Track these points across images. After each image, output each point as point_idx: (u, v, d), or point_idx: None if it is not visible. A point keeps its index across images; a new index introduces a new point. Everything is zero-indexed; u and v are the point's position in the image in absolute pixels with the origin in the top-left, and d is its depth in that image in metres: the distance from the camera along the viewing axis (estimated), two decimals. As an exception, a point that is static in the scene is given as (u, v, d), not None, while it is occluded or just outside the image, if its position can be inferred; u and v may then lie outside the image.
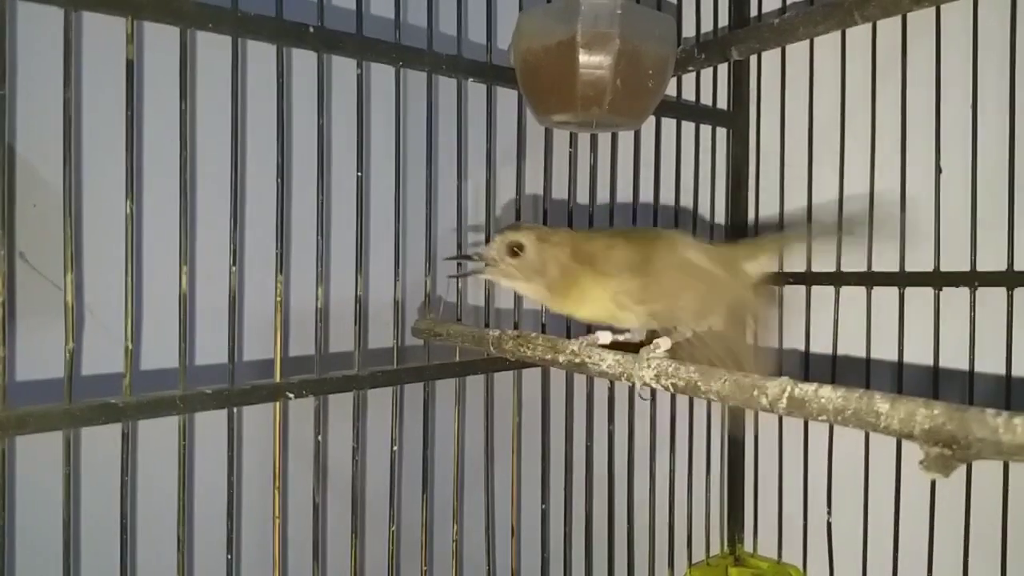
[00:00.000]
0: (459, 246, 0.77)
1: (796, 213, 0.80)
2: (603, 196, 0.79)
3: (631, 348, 0.58)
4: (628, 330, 0.63)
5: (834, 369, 0.75)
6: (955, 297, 0.67)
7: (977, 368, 0.66)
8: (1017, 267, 0.64)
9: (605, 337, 0.63)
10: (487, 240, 0.75)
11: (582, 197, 0.78)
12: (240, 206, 0.79)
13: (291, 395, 0.61)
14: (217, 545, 0.61)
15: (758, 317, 0.63)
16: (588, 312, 0.61)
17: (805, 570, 0.79)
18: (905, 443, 0.63)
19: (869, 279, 0.72)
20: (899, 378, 0.70)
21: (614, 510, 0.78)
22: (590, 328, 0.74)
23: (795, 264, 0.78)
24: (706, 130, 0.84)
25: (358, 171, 0.65)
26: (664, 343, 0.56)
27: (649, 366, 0.53)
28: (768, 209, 0.83)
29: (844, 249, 0.74)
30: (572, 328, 0.76)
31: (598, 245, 0.60)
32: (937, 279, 0.67)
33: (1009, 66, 0.64)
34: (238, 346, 0.77)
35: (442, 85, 0.74)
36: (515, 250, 0.60)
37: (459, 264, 0.70)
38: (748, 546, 0.86)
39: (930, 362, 0.67)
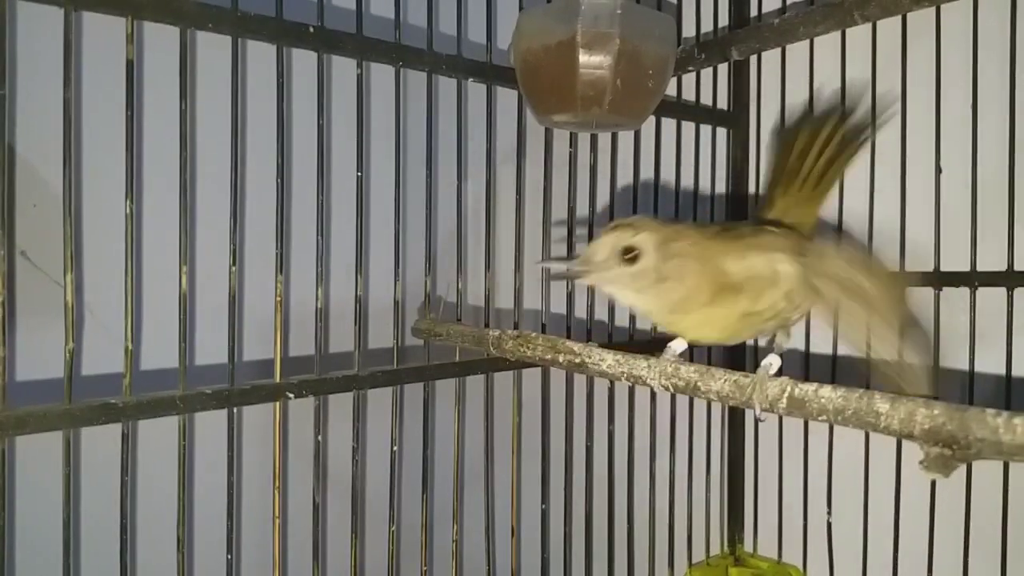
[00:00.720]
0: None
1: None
2: (603, 196, 0.79)
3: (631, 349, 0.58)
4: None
5: (834, 369, 0.75)
6: (955, 297, 0.67)
7: (977, 368, 0.66)
8: (1017, 267, 0.64)
9: (680, 346, 0.56)
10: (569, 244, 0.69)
11: (582, 197, 0.78)
12: (240, 206, 0.79)
13: (291, 395, 0.61)
14: (217, 545, 0.61)
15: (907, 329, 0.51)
16: (708, 334, 0.53)
17: (805, 570, 0.79)
18: (905, 443, 0.63)
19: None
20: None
21: (614, 510, 0.78)
22: (589, 333, 0.74)
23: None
24: (706, 130, 0.84)
25: (358, 171, 0.65)
26: (775, 361, 0.51)
27: (767, 388, 0.46)
28: (768, 209, 0.83)
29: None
30: (572, 329, 0.76)
31: (730, 249, 0.50)
32: (937, 279, 0.67)
33: (1009, 66, 0.64)
34: (238, 346, 0.77)
35: (442, 85, 0.74)
36: (630, 255, 0.50)
37: (545, 270, 0.60)
38: (748, 546, 0.86)
39: (929, 362, 0.67)
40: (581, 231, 0.78)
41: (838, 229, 0.76)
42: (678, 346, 0.56)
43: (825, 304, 0.50)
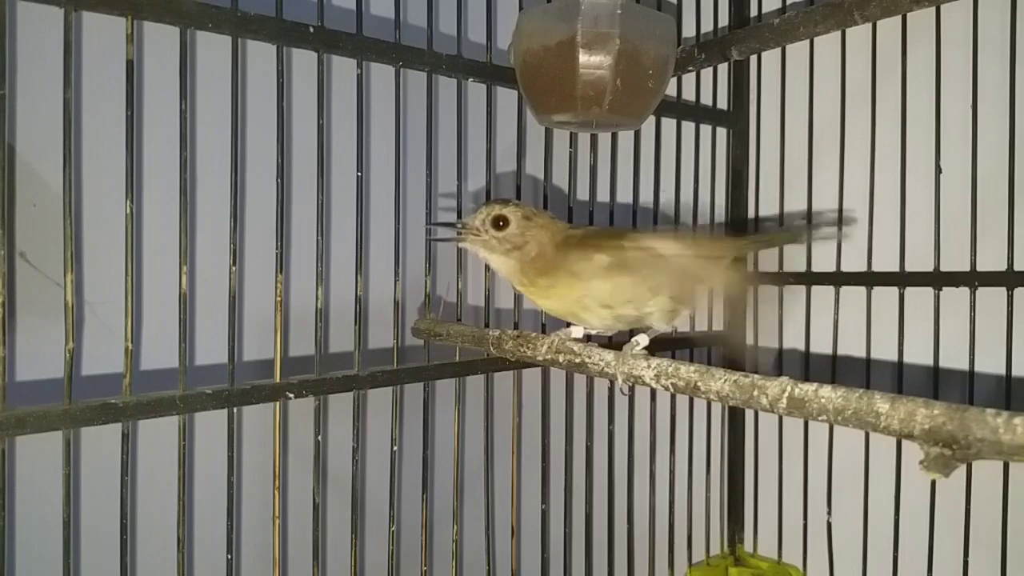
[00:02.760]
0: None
1: (796, 214, 0.80)
2: (603, 196, 0.79)
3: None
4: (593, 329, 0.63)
5: (834, 369, 0.75)
6: (955, 297, 0.67)
7: (977, 368, 0.66)
8: (1017, 267, 0.64)
9: (577, 332, 0.63)
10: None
11: (582, 197, 0.78)
12: (240, 206, 0.79)
13: (291, 395, 0.61)
14: (217, 545, 0.61)
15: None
16: (550, 305, 0.62)
17: (805, 570, 0.79)
18: (905, 443, 0.63)
19: (869, 279, 0.72)
20: (899, 378, 0.70)
21: (614, 510, 0.78)
22: (588, 336, 0.74)
23: (795, 264, 0.78)
24: (706, 130, 0.84)
25: (358, 171, 0.65)
26: (643, 339, 0.57)
27: (630, 362, 0.53)
28: (768, 209, 0.83)
29: (844, 248, 0.74)
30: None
31: (576, 242, 0.60)
32: (937, 279, 0.67)
33: (1009, 66, 0.64)
34: (238, 346, 0.77)
35: (442, 85, 0.74)
36: (499, 223, 0.60)
37: (430, 230, 0.70)
38: (748, 546, 0.86)
39: (930, 362, 0.67)
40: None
41: (838, 229, 0.76)
42: (576, 331, 0.63)
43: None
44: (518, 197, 0.75)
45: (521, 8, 0.74)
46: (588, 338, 0.62)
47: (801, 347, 0.79)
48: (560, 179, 0.77)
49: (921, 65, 0.69)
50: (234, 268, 0.59)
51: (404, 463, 0.84)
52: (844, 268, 0.75)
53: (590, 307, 0.59)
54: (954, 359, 0.67)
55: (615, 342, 0.65)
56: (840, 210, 0.75)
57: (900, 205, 0.70)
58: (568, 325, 0.64)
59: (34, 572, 0.65)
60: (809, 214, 0.78)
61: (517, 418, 0.75)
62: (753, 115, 0.85)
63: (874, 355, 0.73)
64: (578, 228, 0.63)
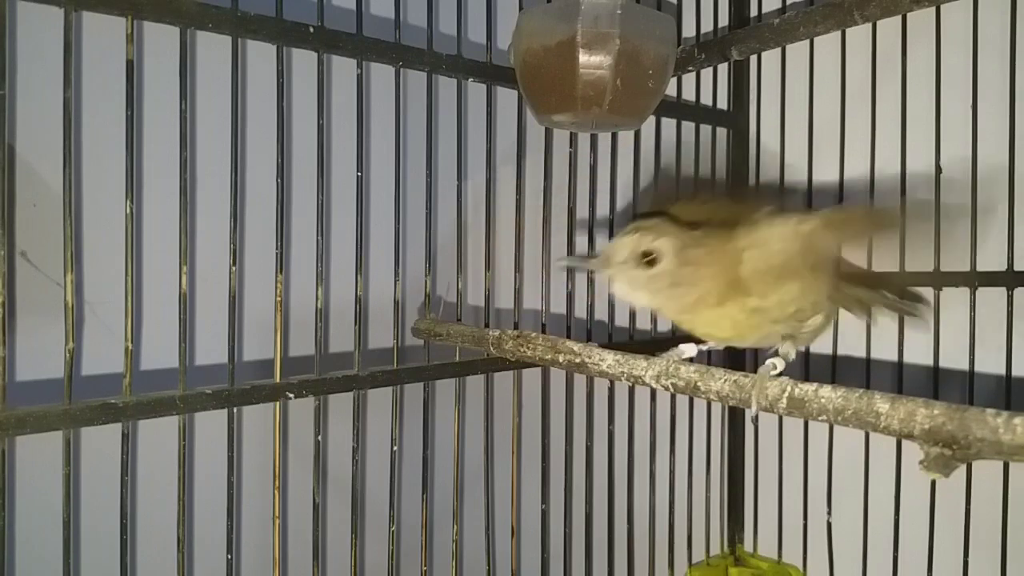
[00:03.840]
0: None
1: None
2: (603, 196, 0.79)
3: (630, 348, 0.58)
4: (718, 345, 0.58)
5: (834, 369, 0.75)
6: (955, 297, 0.67)
7: (977, 368, 0.66)
8: (1017, 267, 0.64)
9: (691, 350, 0.57)
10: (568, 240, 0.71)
11: (582, 197, 0.78)
12: (240, 206, 0.79)
13: (291, 395, 0.61)
14: (217, 545, 0.61)
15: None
16: (718, 332, 0.54)
17: (805, 570, 0.79)
18: (905, 443, 0.63)
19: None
20: (899, 378, 0.70)
21: (614, 510, 0.78)
22: (589, 333, 0.74)
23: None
24: (706, 130, 0.84)
25: (358, 171, 0.65)
26: (780, 364, 0.51)
27: (766, 389, 0.47)
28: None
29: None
30: (572, 328, 0.76)
31: (736, 249, 0.51)
32: (937, 279, 0.67)
33: (1009, 66, 0.64)
34: (238, 346, 0.77)
35: (442, 85, 0.74)
36: (648, 259, 0.51)
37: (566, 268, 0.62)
38: (748, 546, 0.86)
39: (930, 362, 0.67)
40: (581, 231, 0.78)
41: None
42: (688, 349, 0.57)
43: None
44: (518, 196, 0.75)
45: (521, 8, 0.74)
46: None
47: (801, 347, 0.79)
48: (560, 179, 0.76)
49: (921, 65, 0.69)
50: (234, 268, 0.59)
51: (404, 463, 0.84)
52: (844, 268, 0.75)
53: (759, 325, 0.52)
54: (954, 359, 0.67)
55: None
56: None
57: (900, 205, 0.70)
58: (590, 337, 0.59)
59: (34, 572, 0.65)
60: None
61: (517, 418, 0.75)
62: (753, 115, 0.85)
63: (874, 355, 0.73)
64: (735, 217, 0.53)
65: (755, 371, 0.49)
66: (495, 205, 0.74)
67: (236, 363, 0.59)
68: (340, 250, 0.79)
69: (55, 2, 0.50)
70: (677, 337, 0.81)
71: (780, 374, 0.49)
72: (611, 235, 0.78)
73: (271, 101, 0.60)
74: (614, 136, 0.81)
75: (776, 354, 0.54)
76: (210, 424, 0.64)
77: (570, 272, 0.76)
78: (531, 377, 0.75)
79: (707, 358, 0.86)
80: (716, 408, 0.86)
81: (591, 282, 0.79)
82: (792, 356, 0.54)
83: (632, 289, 0.52)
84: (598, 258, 0.53)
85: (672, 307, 0.53)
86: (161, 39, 0.58)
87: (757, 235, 0.51)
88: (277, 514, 0.62)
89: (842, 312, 0.74)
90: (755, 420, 0.51)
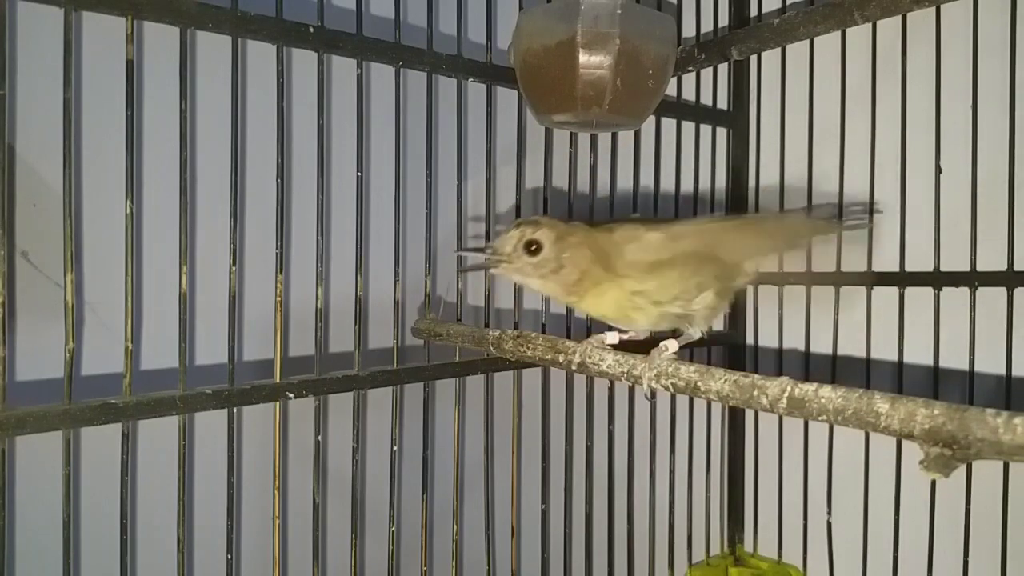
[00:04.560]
0: (459, 238, 0.77)
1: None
2: (603, 196, 0.79)
3: (635, 348, 0.58)
4: (632, 330, 0.62)
5: (834, 369, 0.75)
6: (955, 297, 0.67)
7: (977, 368, 0.66)
8: (1017, 267, 0.64)
9: (613, 338, 0.62)
10: (488, 235, 0.75)
11: (582, 197, 0.78)
12: (240, 206, 0.79)
13: (291, 395, 0.61)
14: (217, 545, 0.61)
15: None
16: (603, 312, 0.60)
17: (805, 570, 0.79)
18: (905, 443, 0.63)
19: (869, 279, 0.72)
20: (899, 378, 0.70)
21: (614, 510, 0.78)
22: (589, 330, 0.74)
23: (796, 264, 0.78)
24: (706, 130, 0.84)
25: (358, 171, 0.65)
26: (673, 345, 0.56)
27: (658, 368, 0.52)
28: (768, 209, 0.83)
29: (844, 248, 0.74)
30: (572, 328, 0.76)
31: (613, 242, 0.58)
32: (937, 279, 0.67)
33: (1009, 66, 0.64)
34: (238, 346, 0.77)
35: (442, 85, 0.74)
36: (532, 248, 0.57)
37: (461, 258, 0.68)
38: (748, 546, 0.86)
39: (930, 362, 0.67)
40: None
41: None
42: (611, 336, 0.62)
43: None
44: (518, 196, 0.75)
45: (521, 8, 0.74)
46: (621, 343, 0.62)
47: (801, 347, 0.79)
48: (560, 179, 0.76)
49: (921, 65, 0.69)
50: (234, 268, 0.59)
51: (404, 463, 0.84)
52: (844, 268, 0.75)
53: (641, 306, 0.58)
54: (954, 359, 0.67)
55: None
56: (840, 210, 0.75)
57: (900, 205, 0.70)
58: (589, 332, 0.63)
59: (34, 572, 0.65)
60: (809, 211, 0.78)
61: (517, 418, 0.75)
62: (753, 115, 0.85)
63: (874, 355, 0.73)
64: (610, 226, 0.60)
65: (755, 371, 0.49)
66: (495, 205, 0.74)
67: (236, 363, 0.59)
68: (340, 250, 0.79)
69: (55, 2, 0.50)
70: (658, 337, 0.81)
71: (676, 354, 0.55)
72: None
73: (271, 101, 0.60)
74: (614, 136, 0.81)
75: (674, 336, 0.59)
76: (210, 424, 0.64)
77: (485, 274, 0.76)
78: (531, 377, 0.76)
79: (707, 358, 0.86)
80: (716, 408, 0.86)
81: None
82: (697, 335, 0.60)
83: (523, 276, 0.59)
84: (489, 252, 0.59)
85: (558, 290, 0.59)
86: (161, 39, 0.58)
87: (630, 233, 0.58)
88: (277, 514, 0.62)
89: (842, 312, 0.74)
90: (647, 398, 0.57)
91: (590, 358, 0.58)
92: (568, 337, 0.66)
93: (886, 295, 0.71)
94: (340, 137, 0.75)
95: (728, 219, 0.61)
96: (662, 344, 0.56)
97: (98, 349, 0.72)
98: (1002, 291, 0.64)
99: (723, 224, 0.63)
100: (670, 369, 0.52)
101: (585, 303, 0.59)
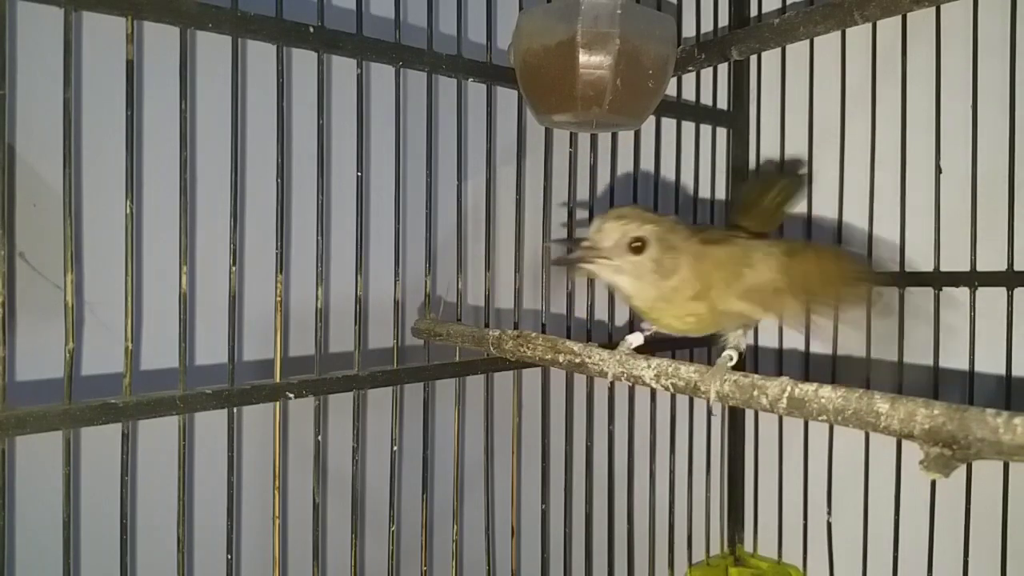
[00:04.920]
0: (459, 238, 0.76)
1: (795, 217, 0.80)
2: (603, 196, 0.79)
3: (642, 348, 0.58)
4: (668, 332, 0.59)
5: (834, 369, 0.75)
6: (955, 297, 0.67)
7: (977, 368, 0.66)
8: (1017, 267, 0.64)
9: (637, 339, 0.59)
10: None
11: (582, 197, 0.78)
12: (240, 206, 0.79)
13: (291, 395, 0.61)
14: (217, 545, 0.61)
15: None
16: (679, 324, 0.56)
17: (805, 570, 0.79)
18: (905, 443, 0.63)
19: (870, 279, 0.72)
20: (899, 378, 0.70)
21: (614, 510, 0.78)
22: (588, 336, 0.74)
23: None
24: (706, 130, 0.84)
25: (358, 171, 0.65)
26: (735, 356, 0.53)
27: (724, 378, 0.49)
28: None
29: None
30: (572, 329, 0.76)
31: (722, 259, 0.54)
32: (937, 279, 0.67)
33: (1009, 66, 0.64)
34: (238, 346, 0.77)
35: (442, 85, 0.74)
36: (636, 246, 0.52)
37: (548, 248, 0.62)
38: (748, 546, 0.86)
39: (930, 362, 0.67)
40: (582, 231, 0.78)
41: (838, 229, 0.76)
42: (634, 339, 0.59)
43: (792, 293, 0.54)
44: (518, 197, 0.75)
45: (521, 8, 0.74)
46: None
47: (801, 347, 0.79)
48: (560, 179, 0.76)
49: (921, 65, 0.69)
50: (234, 268, 0.59)
51: (404, 463, 0.84)
52: (844, 268, 0.75)
53: (723, 322, 0.55)
54: (954, 359, 0.67)
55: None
56: (840, 210, 0.75)
57: (900, 205, 0.70)
58: (589, 337, 0.61)
59: (34, 572, 0.65)
60: (809, 214, 0.78)
61: (517, 418, 0.75)
62: (753, 115, 0.85)
63: (874, 355, 0.73)
64: (706, 234, 0.56)
65: (755, 371, 0.49)
66: (495, 205, 0.74)
67: (236, 363, 0.59)
68: (340, 250, 0.79)
69: (55, 2, 0.50)
70: (674, 338, 0.82)
71: (735, 366, 0.51)
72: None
73: (271, 101, 0.60)
74: (614, 136, 0.81)
75: (725, 347, 0.56)
76: (210, 424, 0.64)
77: (570, 271, 0.76)
78: (531, 377, 0.76)
79: (708, 359, 0.86)
80: (716, 408, 0.86)
81: (591, 282, 0.79)
82: (743, 346, 0.57)
83: (617, 274, 0.54)
84: (585, 244, 0.54)
85: (649, 294, 0.54)
86: (161, 39, 0.58)
87: (740, 252, 0.54)
88: (277, 514, 0.62)
89: (842, 312, 0.74)
90: (713, 413, 0.53)
91: (589, 357, 0.57)
92: (568, 337, 0.65)
93: (886, 295, 0.71)
94: (340, 137, 0.75)
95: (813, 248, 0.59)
96: (724, 355, 0.53)
97: (98, 349, 0.72)
98: (1002, 291, 0.64)
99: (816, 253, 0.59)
100: (670, 369, 0.52)
101: (667, 311, 0.55)
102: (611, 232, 0.53)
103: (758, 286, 0.53)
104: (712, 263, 0.54)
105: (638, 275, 0.53)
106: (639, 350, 0.58)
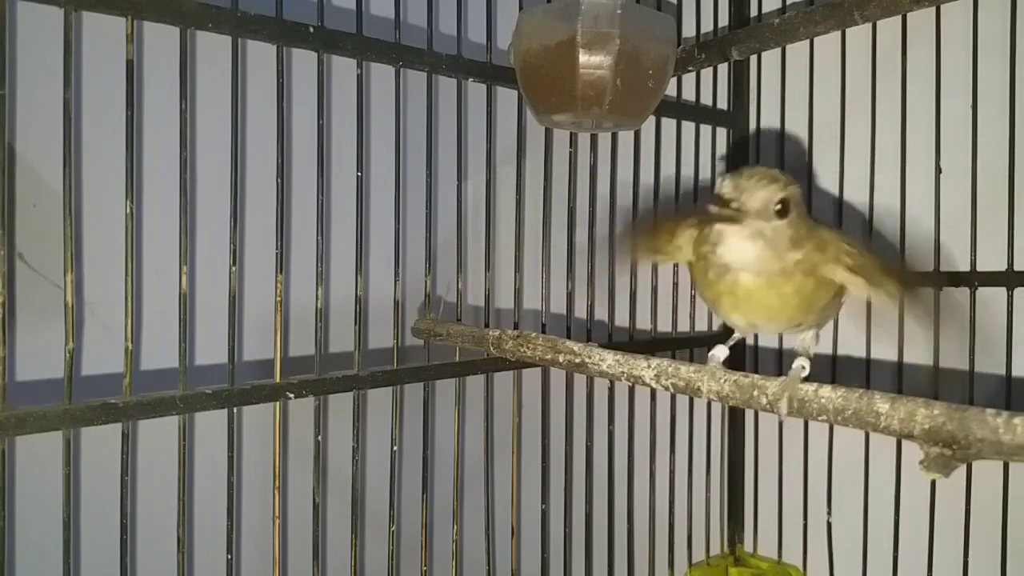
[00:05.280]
0: (459, 238, 0.76)
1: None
2: (603, 196, 0.79)
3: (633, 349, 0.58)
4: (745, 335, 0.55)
5: (834, 369, 0.75)
6: (955, 297, 0.66)
7: (977, 368, 0.66)
8: (1017, 267, 0.64)
9: (723, 352, 0.54)
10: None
11: (582, 197, 0.78)
12: (240, 206, 0.79)
13: (291, 395, 0.61)
14: (217, 545, 0.61)
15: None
16: (759, 311, 0.51)
17: (805, 570, 0.79)
18: (905, 443, 0.63)
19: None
20: (899, 378, 0.70)
21: (614, 510, 0.78)
22: (588, 336, 0.74)
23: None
24: (706, 130, 0.84)
25: (358, 171, 0.65)
26: (807, 364, 0.51)
27: (798, 389, 0.46)
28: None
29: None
30: (572, 329, 0.76)
31: (829, 239, 0.50)
32: (937, 279, 0.67)
33: (1009, 66, 0.64)
34: (238, 346, 0.77)
35: (442, 85, 0.74)
36: (780, 209, 0.47)
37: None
38: (748, 546, 0.86)
39: (930, 362, 0.67)
40: (581, 231, 0.78)
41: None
42: (720, 353, 0.54)
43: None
44: (518, 197, 0.75)
45: (521, 8, 0.74)
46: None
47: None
48: (560, 179, 0.76)
49: (921, 65, 0.69)
50: (234, 268, 0.59)
51: (404, 463, 0.84)
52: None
53: (801, 312, 0.50)
54: (954, 359, 0.67)
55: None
56: (840, 210, 0.75)
57: (900, 205, 0.70)
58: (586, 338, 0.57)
59: (34, 572, 0.65)
60: (809, 214, 0.78)
61: (517, 418, 0.75)
62: (753, 115, 0.85)
63: (874, 355, 0.73)
64: (819, 226, 0.52)
65: (755, 371, 0.49)
66: (495, 205, 0.74)
67: (236, 363, 0.59)
68: (340, 250, 0.79)
69: (55, 2, 0.50)
70: (674, 338, 0.82)
71: (807, 377, 0.48)
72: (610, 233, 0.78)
73: (271, 101, 0.60)
74: (614, 136, 0.81)
75: (797, 354, 0.53)
76: (210, 424, 0.64)
77: (569, 272, 0.76)
78: (531, 377, 0.76)
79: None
80: (716, 408, 0.86)
81: (591, 282, 0.79)
82: (812, 353, 0.54)
83: (754, 239, 0.48)
84: (731, 208, 0.47)
85: (773, 266, 0.48)
86: (161, 39, 0.58)
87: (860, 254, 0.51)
88: (277, 514, 0.62)
89: (843, 312, 0.74)
90: (782, 425, 0.51)
91: (589, 357, 0.57)
92: (568, 337, 0.65)
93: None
94: (340, 137, 0.75)
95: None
96: (797, 364, 0.50)
97: (98, 349, 0.72)
98: (1002, 291, 0.64)
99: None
100: (670, 369, 0.52)
101: (756, 294, 0.49)
102: (756, 192, 0.47)
103: (863, 263, 0.50)
104: (830, 234, 0.50)
105: (774, 242, 0.47)
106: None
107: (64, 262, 0.51)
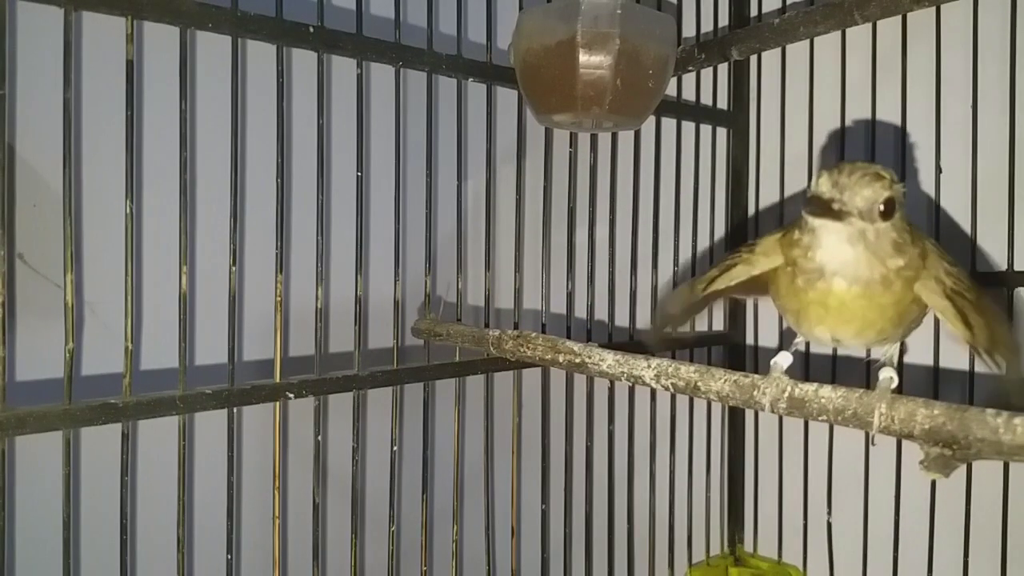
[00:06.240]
0: (459, 238, 0.76)
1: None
2: (603, 196, 0.79)
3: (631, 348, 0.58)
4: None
5: (834, 369, 0.75)
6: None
7: (977, 368, 0.66)
8: (1017, 267, 0.64)
9: (786, 360, 0.51)
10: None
11: (582, 197, 0.78)
12: (240, 206, 0.79)
13: (291, 395, 0.61)
14: (217, 545, 0.61)
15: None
16: (843, 325, 0.47)
17: (805, 570, 0.79)
18: (905, 443, 0.63)
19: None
20: (899, 378, 0.70)
21: (614, 510, 0.78)
22: (588, 336, 0.74)
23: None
24: (706, 130, 0.84)
25: (358, 171, 0.65)
26: (895, 375, 0.47)
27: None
28: (768, 209, 0.83)
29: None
30: (572, 329, 0.76)
31: (935, 265, 0.46)
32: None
33: (1009, 66, 0.64)
34: (238, 346, 0.77)
35: (442, 85, 0.74)
36: (884, 210, 0.43)
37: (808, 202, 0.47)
38: (748, 546, 0.86)
39: (930, 362, 0.67)
40: (581, 231, 0.78)
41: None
42: (784, 360, 0.51)
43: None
44: (518, 197, 0.75)
45: (521, 8, 0.74)
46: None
47: (801, 347, 0.79)
48: (560, 179, 0.76)
49: (921, 65, 0.69)
50: (234, 268, 0.59)
51: (404, 463, 0.84)
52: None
53: (887, 326, 0.47)
54: (954, 359, 0.67)
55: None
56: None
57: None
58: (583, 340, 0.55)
59: (34, 572, 0.65)
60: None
61: (517, 418, 0.75)
62: (753, 115, 0.85)
63: (874, 355, 0.73)
64: (921, 234, 0.48)
65: (755, 371, 0.49)
66: (495, 205, 0.74)
67: (236, 363, 0.59)
68: (340, 250, 0.79)
69: (55, 2, 0.50)
70: (673, 338, 0.82)
71: (897, 389, 0.45)
72: (611, 233, 0.78)
73: (271, 101, 0.60)
74: (614, 136, 0.81)
75: (883, 364, 0.51)
76: (210, 424, 0.64)
77: (569, 272, 0.76)
78: (531, 377, 0.76)
79: (707, 359, 0.86)
80: (716, 408, 0.86)
81: (591, 282, 0.79)
82: (895, 362, 0.51)
83: (851, 243, 0.44)
84: (835, 206, 0.43)
85: (874, 274, 0.45)
86: (161, 39, 0.58)
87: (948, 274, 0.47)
88: (277, 514, 0.62)
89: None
90: (873, 442, 0.47)
91: (589, 357, 0.57)
92: (568, 337, 0.65)
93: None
94: (340, 137, 0.75)
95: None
96: (884, 376, 0.47)
97: (98, 349, 0.72)
98: (1002, 291, 0.64)
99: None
100: (670, 369, 0.52)
101: (848, 303, 0.46)
102: (859, 190, 0.43)
103: (962, 293, 0.46)
104: (932, 245, 0.46)
105: (877, 247, 0.44)
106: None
107: (64, 262, 0.51)
